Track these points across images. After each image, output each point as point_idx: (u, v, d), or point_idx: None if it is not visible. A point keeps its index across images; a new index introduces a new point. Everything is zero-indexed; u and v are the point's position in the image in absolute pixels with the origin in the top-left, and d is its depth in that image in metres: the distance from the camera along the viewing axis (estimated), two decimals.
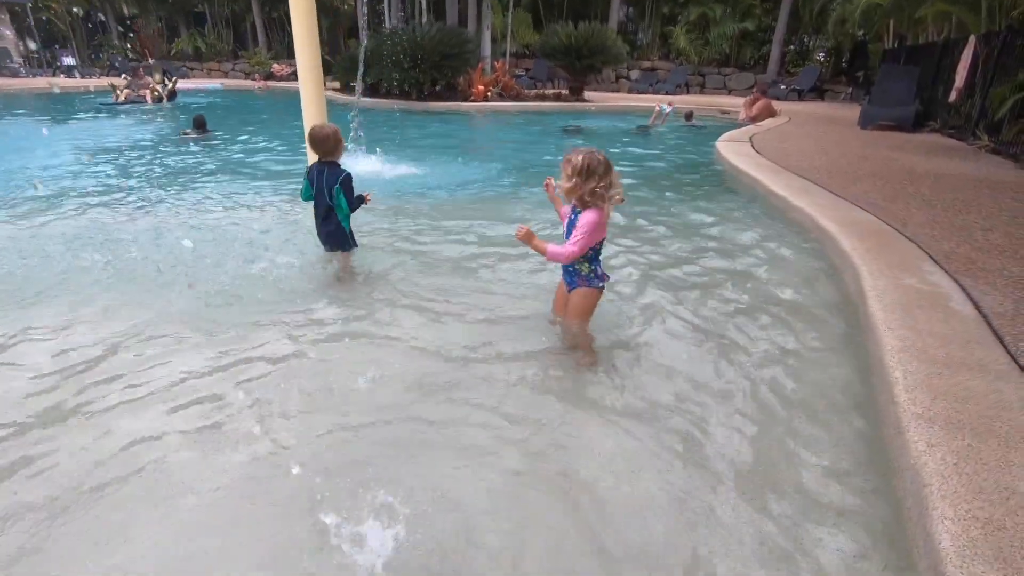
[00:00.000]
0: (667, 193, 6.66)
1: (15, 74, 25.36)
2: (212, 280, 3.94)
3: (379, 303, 3.67)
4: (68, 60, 27.28)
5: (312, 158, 4.14)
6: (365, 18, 22.02)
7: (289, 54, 30.63)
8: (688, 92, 22.53)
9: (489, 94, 16.88)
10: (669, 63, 23.66)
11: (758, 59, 22.94)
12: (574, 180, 2.58)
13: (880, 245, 3.94)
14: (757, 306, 3.52)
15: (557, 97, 18.38)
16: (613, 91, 23.22)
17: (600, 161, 2.57)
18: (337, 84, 21.90)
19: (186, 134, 10.45)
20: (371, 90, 17.80)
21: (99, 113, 13.77)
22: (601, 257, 2.83)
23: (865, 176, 6.59)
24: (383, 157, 8.75)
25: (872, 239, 4.07)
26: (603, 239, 2.74)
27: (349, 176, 3.99)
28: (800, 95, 19.82)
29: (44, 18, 28.22)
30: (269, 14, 30.52)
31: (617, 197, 2.61)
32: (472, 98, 16.59)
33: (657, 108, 12.64)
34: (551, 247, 2.65)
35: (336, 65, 20.85)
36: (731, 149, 8.36)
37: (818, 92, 20.33)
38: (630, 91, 22.71)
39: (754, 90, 14.98)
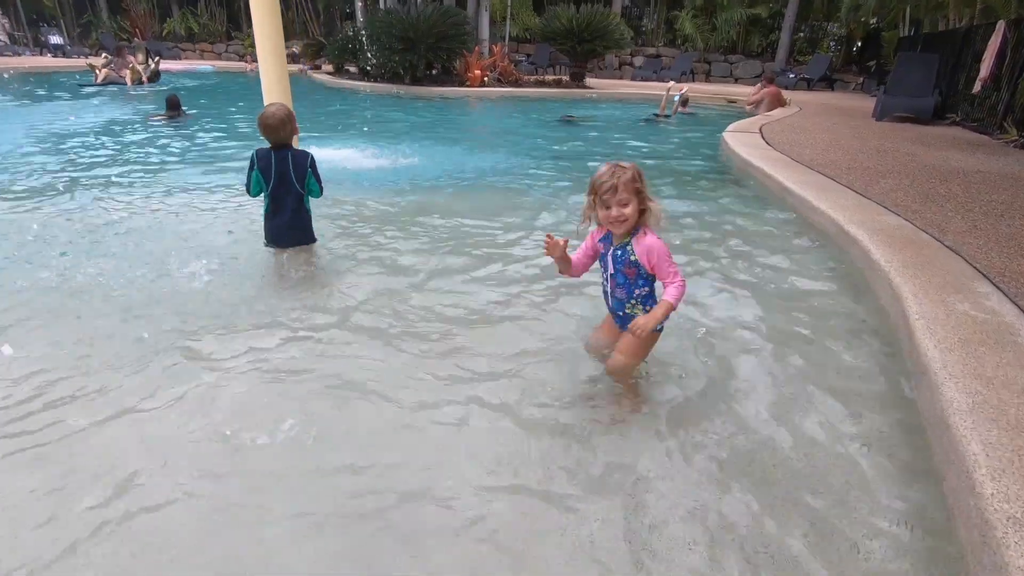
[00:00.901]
0: (663, 189, 6.06)
1: (1, 53, 24.59)
2: (131, 289, 3.36)
3: (337, 313, 3.10)
4: (55, 39, 26.46)
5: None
6: None
7: (286, 36, 29.83)
8: (693, 79, 21.75)
9: (486, 79, 16.17)
10: (674, 50, 22.88)
11: (766, 47, 22.17)
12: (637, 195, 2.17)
13: (920, 258, 3.36)
14: (776, 338, 2.94)
15: (557, 83, 17.65)
16: (616, 78, 22.46)
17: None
18: (331, 68, 21.21)
19: (156, 116, 9.82)
20: (362, 73, 17.11)
21: (74, 94, 13.11)
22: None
23: (888, 173, 5.99)
24: (355, 145, 8.16)
25: (909, 250, 3.48)
26: None
27: (314, 158, 3.55)
28: (809, 84, 19.09)
29: None
30: None
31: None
32: (468, 83, 15.89)
33: (667, 95, 11.98)
34: (668, 297, 2.15)
35: (329, 47, 20.12)
36: (740, 140, 7.74)
37: (828, 82, 19.58)
38: (633, 78, 21.94)
39: (762, 78, 14.29)
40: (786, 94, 13.83)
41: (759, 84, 13.70)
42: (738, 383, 2.52)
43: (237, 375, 2.54)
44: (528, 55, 23.05)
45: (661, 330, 2.32)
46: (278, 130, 3.44)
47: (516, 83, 16.87)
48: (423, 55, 15.11)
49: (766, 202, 5.43)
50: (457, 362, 2.68)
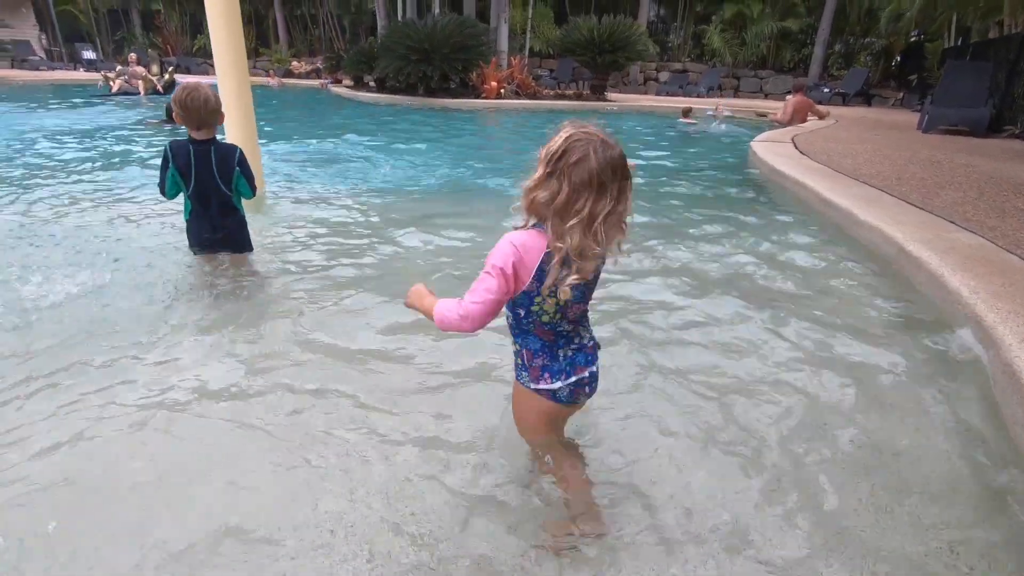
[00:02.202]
0: (681, 202, 5.30)
1: (36, 68, 25.22)
2: (33, 294, 2.75)
3: (269, 339, 2.46)
4: (88, 54, 27.10)
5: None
6: (383, 10, 21.25)
7: (311, 52, 30.14)
8: (721, 95, 20.96)
9: (503, 91, 15.66)
10: (701, 65, 22.14)
11: (798, 61, 21.25)
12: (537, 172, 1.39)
13: (1011, 286, 2.54)
14: (826, 408, 2.16)
15: (578, 96, 17.07)
16: (641, 93, 21.79)
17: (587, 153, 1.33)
18: (350, 81, 21.07)
19: (151, 122, 9.52)
20: (378, 84, 16.80)
21: (88, 103, 13.02)
22: (548, 338, 1.51)
23: (947, 184, 5.12)
24: (341, 153, 7.62)
25: (996, 276, 2.66)
26: (542, 300, 1.43)
27: (243, 152, 2.96)
28: (845, 100, 18.07)
29: (68, 14, 28.14)
30: (292, 12, 30.07)
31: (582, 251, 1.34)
32: (484, 95, 15.40)
33: (718, 111, 11.55)
34: (442, 305, 1.50)
35: (347, 60, 19.98)
36: (770, 151, 6.94)
37: (865, 97, 18.52)
38: (658, 93, 21.25)
39: (791, 90, 13.44)
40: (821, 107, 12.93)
41: (788, 97, 12.86)
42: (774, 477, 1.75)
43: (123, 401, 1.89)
44: (551, 70, 22.59)
45: (538, 393, 1.55)
46: (205, 118, 2.82)
47: (534, 96, 16.33)
48: (438, 66, 14.69)
49: (801, 217, 4.63)
50: (375, 415, 1.97)
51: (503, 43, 17.86)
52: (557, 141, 1.36)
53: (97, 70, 25.11)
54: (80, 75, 22.72)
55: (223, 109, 2.87)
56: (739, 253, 3.83)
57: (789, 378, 2.26)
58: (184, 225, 3.02)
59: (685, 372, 2.30)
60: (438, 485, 1.70)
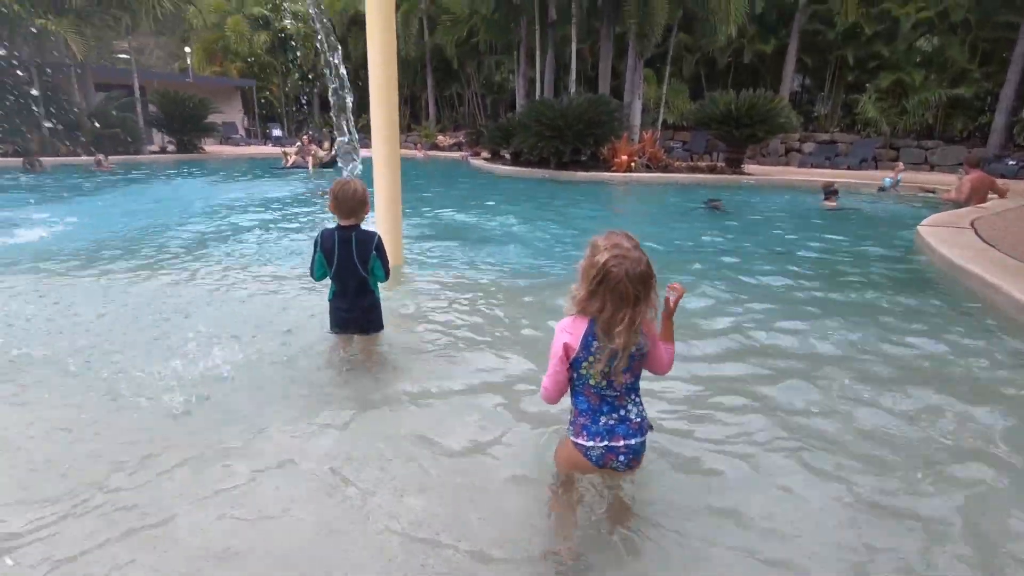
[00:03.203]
0: (829, 296, 4.74)
1: (237, 143, 30.34)
2: (182, 376, 3.10)
3: (377, 419, 2.53)
4: (276, 132, 32.16)
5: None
6: (523, 90, 22.82)
7: (456, 127, 33.08)
8: (876, 167, 19.22)
9: (634, 164, 15.74)
10: (852, 135, 20.60)
11: (973, 130, 18.96)
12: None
13: None
14: None
15: (711, 169, 16.60)
16: (782, 165, 20.70)
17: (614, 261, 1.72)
18: (487, 154, 22.58)
19: (323, 194, 10.82)
20: (512, 158, 17.76)
21: (266, 174, 15.30)
22: (594, 400, 1.86)
23: None
24: (472, 225, 7.98)
25: None
26: (589, 366, 1.81)
27: (381, 239, 3.17)
28: None
29: (263, 99, 33.88)
30: (442, 92, 33.44)
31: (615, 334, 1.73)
32: (614, 168, 15.59)
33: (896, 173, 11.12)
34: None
35: (487, 134, 21.49)
36: (944, 238, 6.07)
37: None
38: (801, 165, 20.03)
39: (963, 165, 11.95)
40: (1003, 183, 11.27)
41: (959, 172, 11.44)
42: None
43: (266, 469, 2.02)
44: (684, 142, 22.43)
45: (576, 446, 1.88)
46: (353, 208, 3.10)
47: (665, 168, 16.20)
48: (570, 141, 15.23)
49: (992, 327, 3.90)
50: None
51: (635, 118, 18.15)
52: (595, 265, 1.72)
53: (282, 145, 29.64)
54: (268, 149, 26.87)
55: (375, 178, 3.13)
56: (906, 363, 3.29)
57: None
58: (327, 305, 3.27)
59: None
60: None
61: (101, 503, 2.04)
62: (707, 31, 17.41)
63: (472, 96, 32.39)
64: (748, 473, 2.31)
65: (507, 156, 19.74)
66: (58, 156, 17.01)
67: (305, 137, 17.81)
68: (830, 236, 7.65)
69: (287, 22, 30.68)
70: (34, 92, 17.59)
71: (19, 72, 17.44)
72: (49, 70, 19.20)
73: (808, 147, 21.07)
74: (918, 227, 6.87)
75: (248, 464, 2.28)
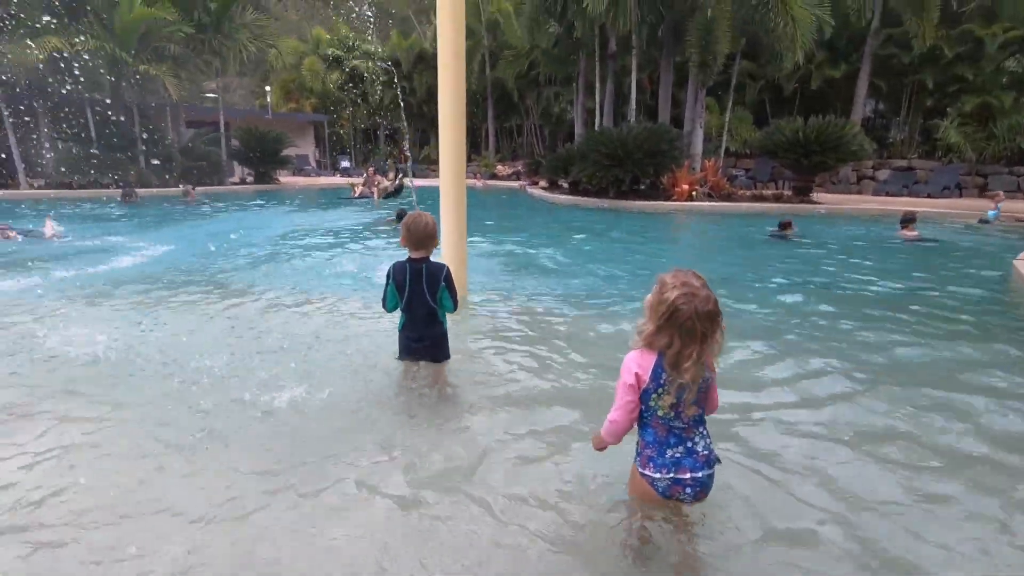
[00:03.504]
0: (918, 334, 4.43)
1: (308, 175, 32.12)
2: (259, 401, 3.25)
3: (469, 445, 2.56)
4: (345, 163, 33.87)
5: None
6: (582, 119, 23.05)
7: (514, 157, 33.76)
8: (961, 195, 18.03)
9: (695, 193, 15.48)
10: (932, 161, 19.46)
11: None
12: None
13: None
14: None
15: (777, 198, 16.09)
16: (854, 193, 19.77)
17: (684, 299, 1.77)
18: (546, 183, 22.83)
19: (390, 223, 11.25)
20: (571, 187, 17.87)
21: (335, 204, 16.08)
22: (661, 432, 1.91)
23: None
24: (530, 254, 7.99)
25: None
26: (658, 397, 1.86)
27: (449, 271, 3.25)
28: None
29: (334, 133, 35.82)
30: (502, 124, 34.30)
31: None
32: (675, 197, 15.37)
33: (992, 212, 10.92)
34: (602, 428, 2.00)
35: (545, 164, 21.76)
36: None
37: None
38: (875, 193, 19.07)
39: None
40: None
41: None
42: None
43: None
44: (747, 169, 21.87)
45: (644, 477, 1.93)
46: (423, 241, 3.21)
47: (728, 197, 15.82)
48: (630, 170, 15.19)
49: None
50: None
51: (697, 146, 17.89)
52: (663, 303, 1.78)
53: (349, 176, 31.12)
54: (336, 180, 28.27)
55: (441, 208, 3.23)
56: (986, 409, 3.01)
57: None
58: (397, 335, 3.36)
59: None
60: None
61: (181, 527, 2.16)
62: (772, 59, 17.07)
63: (531, 127, 33.02)
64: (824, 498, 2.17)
65: (565, 185, 19.89)
66: (152, 188, 18.55)
67: (370, 169, 18.67)
68: (911, 271, 7.19)
69: (357, 61, 32.50)
70: (134, 130, 19.37)
71: (122, 113, 19.27)
72: (148, 109, 21.16)
73: (883, 174, 20.05)
74: (1015, 261, 6.37)
75: (321, 492, 2.35)
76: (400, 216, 11.31)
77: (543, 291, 5.90)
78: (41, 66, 16.29)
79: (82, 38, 17.02)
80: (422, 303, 3.22)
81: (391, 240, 9.72)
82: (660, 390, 1.83)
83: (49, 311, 4.84)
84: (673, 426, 1.88)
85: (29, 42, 15.88)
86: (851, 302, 5.54)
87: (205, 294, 5.61)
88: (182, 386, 3.40)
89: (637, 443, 1.97)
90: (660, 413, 1.86)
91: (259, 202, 17.25)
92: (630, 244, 9.66)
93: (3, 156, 17.54)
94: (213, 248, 8.43)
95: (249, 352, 3.95)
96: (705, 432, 1.93)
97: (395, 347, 3.39)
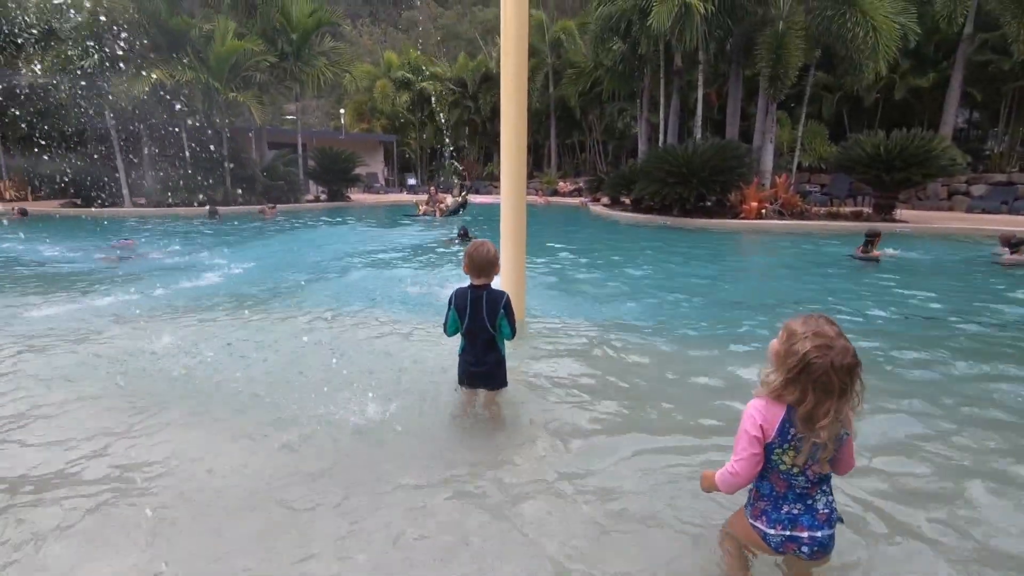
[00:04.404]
0: (994, 378, 4.04)
1: (377, 192, 33.44)
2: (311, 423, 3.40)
3: (492, 479, 2.59)
4: (411, 181, 35.04)
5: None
6: (645, 135, 22.79)
7: (576, 173, 33.74)
8: None
9: (764, 211, 14.89)
10: None
11: None
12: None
13: None
14: None
15: (857, 216, 15.17)
16: (945, 210, 18.36)
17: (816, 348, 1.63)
18: (607, 200, 22.67)
19: (451, 241, 11.53)
20: (633, 204, 17.64)
21: (402, 222, 16.68)
22: (780, 487, 1.79)
23: None
24: (582, 276, 7.91)
25: None
26: (782, 452, 1.74)
27: (509, 298, 3.31)
28: None
29: (402, 152, 37.16)
30: (563, 140, 34.42)
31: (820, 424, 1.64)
32: (743, 215, 14.85)
33: None
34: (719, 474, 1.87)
35: (608, 181, 21.62)
36: None
37: None
38: (969, 210, 17.61)
39: None
40: None
41: None
42: None
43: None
44: (823, 185, 20.82)
45: (752, 527, 1.84)
46: (485, 269, 3.29)
47: (801, 215, 15.10)
48: (695, 187, 14.84)
49: None
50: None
51: (767, 162, 17.26)
52: (793, 354, 1.62)
53: (415, 193, 32.13)
54: (404, 197, 29.28)
55: (501, 231, 3.29)
56: None
57: None
58: (457, 360, 3.44)
59: None
60: None
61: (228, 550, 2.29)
62: (851, 69, 16.21)
63: (593, 143, 32.94)
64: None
65: (627, 202, 19.67)
66: (236, 205, 19.93)
67: (432, 188, 19.24)
68: (1002, 292, 6.57)
69: (425, 83, 33.67)
70: (223, 152, 20.95)
71: (212, 137, 20.91)
72: (235, 133, 22.82)
73: (978, 189, 18.52)
74: None
75: (372, 517, 2.44)
76: (463, 234, 11.58)
77: (603, 315, 5.85)
78: (145, 96, 17.96)
79: (180, 69, 18.66)
80: (482, 330, 3.29)
81: (448, 256, 9.95)
82: (786, 446, 1.71)
83: (148, 328, 5.27)
84: (795, 483, 1.75)
85: (142, 73, 17.63)
86: (940, 345, 5.09)
87: (278, 312, 5.94)
88: (244, 402, 3.62)
89: (750, 491, 1.86)
90: (782, 468, 1.74)
91: (331, 219, 18.13)
92: (694, 266, 9.40)
93: (111, 179, 19.43)
94: (288, 266, 8.94)
95: (313, 369, 4.15)
96: (828, 489, 1.79)
97: (455, 373, 3.47)
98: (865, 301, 6.50)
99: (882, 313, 5.91)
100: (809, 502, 1.75)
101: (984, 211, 17.07)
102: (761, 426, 1.71)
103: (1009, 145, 19.98)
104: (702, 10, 15.20)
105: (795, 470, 1.72)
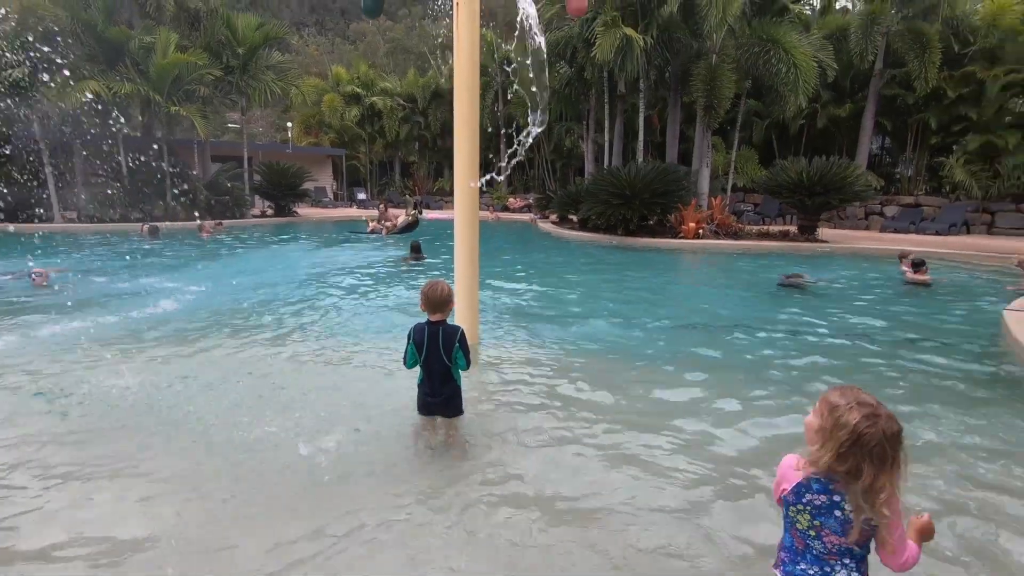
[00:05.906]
0: (919, 404, 4.68)
1: (325, 206, 32.96)
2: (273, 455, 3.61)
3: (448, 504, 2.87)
4: (360, 195, 34.75)
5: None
6: (591, 155, 23.64)
7: (526, 190, 34.40)
8: (968, 233, 18.20)
9: (702, 231, 15.84)
10: (939, 198, 19.69)
11: None
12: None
13: None
14: None
15: (784, 235, 16.39)
16: (861, 229, 20.01)
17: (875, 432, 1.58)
18: (556, 218, 23.32)
19: (406, 260, 11.70)
20: (580, 223, 18.31)
21: (349, 239, 16.62)
22: (798, 543, 1.77)
23: None
24: (530, 293, 8.30)
25: None
26: (796, 512, 1.75)
27: (464, 333, 3.62)
28: None
29: (352, 166, 36.84)
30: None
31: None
32: (682, 235, 15.75)
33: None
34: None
35: (555, 200, 22.27)
36: None
37: None
38: (883, 230, 19.28)
39: None
40: None
41: None
42: None
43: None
44: (756, 204, 22.25)
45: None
46: (440, 306, 3.59)
47: (735, 235, 16.16)
48: (637, 209, 15.63)
49: None
50: None
51: (704, 185, 18.35)
52: (842, 427, 1.58)
53: (365, 207, 31.83)
54: (353, 211, 29.02)
55: (456, 259, 3.61)
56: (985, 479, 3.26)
57: None
58: (416, 391, 3.72)
59: None
60: None
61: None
62: (777, 99, 17.61)
63: (542, 161, 33.75)
64: None
65: (575, 220, 20.36)
66: (176, 222, 19.29)
67: (383, 204, 19.29)
68: (898, 313, 7.42)
69: (375, 98, 33.62)
70: (163, 166, 20.26)
71: (151, 151, 20.22)
72: (176, 146, 22.13)
73: (891, 210, 20.30)
74: (1004, 310, 6.57)
75: (331, 542, 2.68)
76: (413, 248, 11.80)
77: (555, 336, 6.20)
78: (79, 109, 17.23)
79: (119, 81, 18.02)
80: (438, 361, 3.59)
81: (412, 275, 10.11)
82: (800, 506, 1.69)
83: (94, 357, 5.23)
84: (811, 544, 1.70)
85: (75, 83, 16.88)
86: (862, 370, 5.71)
87: (224, 341, 5.86)
88: (195, 435, 3.77)
89: (781, 538, 1.85)
90: (799, 527, 1.72)
91: (279, 236, 17.84)
92: (641, 285, 9.95)
93: (41, 192, 18.43)
94: (232, 289, 8.82)
95: (266, 400, 4.31)
96: (854, 566, 1.68)
97: (414, 403, 3.74)
98: (787, 325, 7.23)
99: (799, 336, 6.64)
100: (827, 569, 1.68)
101: (895, 231, 18.74)
102: (782, 483, 1.74)
103: (916, 170, 21.99)
104: (642, 43, 16.15)
105: (811, 532, 1.69)
